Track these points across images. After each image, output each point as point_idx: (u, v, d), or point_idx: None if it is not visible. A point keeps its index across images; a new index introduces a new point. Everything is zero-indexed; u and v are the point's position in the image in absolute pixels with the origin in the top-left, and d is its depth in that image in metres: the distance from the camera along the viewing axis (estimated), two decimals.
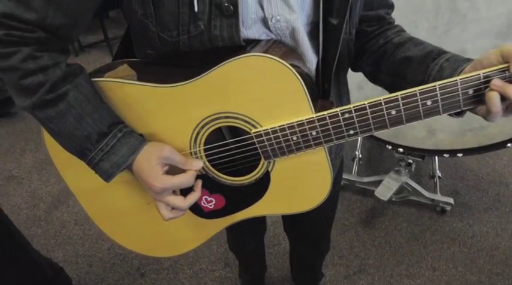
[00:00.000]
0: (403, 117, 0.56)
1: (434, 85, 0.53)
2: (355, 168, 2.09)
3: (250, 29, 0.62)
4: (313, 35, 0.66)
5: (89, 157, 0.61)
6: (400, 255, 1.75)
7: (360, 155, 2.15)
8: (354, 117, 0.58)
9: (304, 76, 0.60)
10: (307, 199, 0.69)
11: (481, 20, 1.26)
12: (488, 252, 1.74)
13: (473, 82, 0.52)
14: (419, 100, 0.54)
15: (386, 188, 1.80)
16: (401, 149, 1.71)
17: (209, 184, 0.70)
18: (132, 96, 0.63)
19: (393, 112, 0.56)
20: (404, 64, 0.67)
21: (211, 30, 0.59)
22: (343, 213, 1.96)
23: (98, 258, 1.82)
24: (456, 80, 0.52)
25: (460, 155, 1.60)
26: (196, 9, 0.57)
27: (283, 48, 0.65)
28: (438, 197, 1.88)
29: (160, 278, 1.71)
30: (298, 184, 0.68)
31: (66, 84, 0.58)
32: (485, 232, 1.83)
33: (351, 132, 0.59)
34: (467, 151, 1.58)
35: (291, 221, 1.17)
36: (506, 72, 0.50)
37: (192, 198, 0.66)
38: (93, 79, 0.62)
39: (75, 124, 0.59)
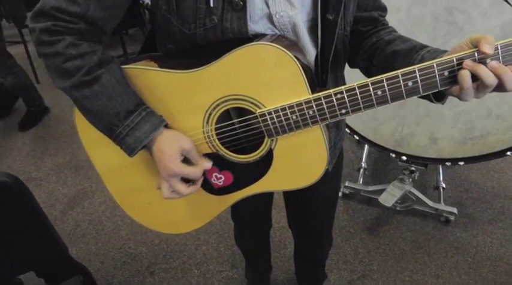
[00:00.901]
0: (388, 96, 0.64)
1: (414, 68, 0.61)
2: (360, 178, 2.15)
3: (257, 24, 0.72)
4: (312, 30, 0.75)
5: (116, 132, 0.71)
6: (404, 263, 1.78)
7: (366, 166, 2.21)
8: (345, 97, 0.66)
9: (304, 67, 0.69)
10: (306, 174, 0.77)
11: (477, 32, 1.34)
12: (492, 262, 1.76)
13: (447, 64, 0.60)
14: (401, 81, 0.62)
15: (390, 195, 1.85)
16: (404, 158, 1.77)
17: (219, 162, 0.79)
18: (154, 81, 0.73)
19: (379, 92, 0.64)
20: (392, 57, 0.75)
21: (223, 23, 0.69)
22: (348, 221, 2.00)
23: (110, 256, 1.89)
24: (432, 63, 0.60)
25: (461, 163, 1.66)
26: (211, 4, 0.67)
27: (286, 41, 0.74)
28: (442, 206, 1.92)
29: (169, 277, 1.77)
30: (298, 160, 0.76)
31: (101, 68, 0.69)
32: (489, 243, 1.85)
33: (343, 110, 0.67)
34: (469, 160, 1.64)
35: (294, 215, 1.23)
36: (476, 54, 0.58)
37: (193, 189, 0.76)
38: (122, 67, 0.73)
39: (106, 102, 0.69)
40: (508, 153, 1.50)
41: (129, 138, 0.71)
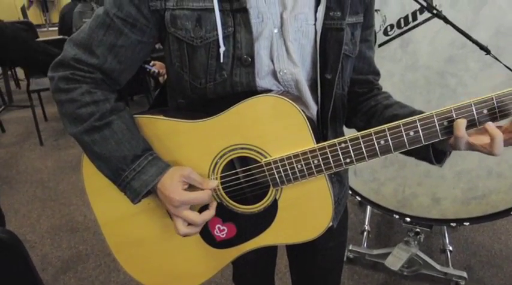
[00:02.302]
0: (391, 145, 0.66)
1: (415, 118, 0.64)
2: (364, 241, 2.08)
3: (264, 80, 0.76)
4: (313, 88, 0.79)
5: (122, 176, 0.71)
6: None
7: (369, 229, 2.16)
8: (349, 146, 0.68)
9: (309, 119, 0.72)
10: (312, 225, 0.75)
11: (469, 95, 1.41)
12: None
13: (446, 114, 0.63)
14: (403, 131, 0.65)
15: (396, 259, 1.79)
16: (408, 219, 1.74)
17: (223, 213, 0.78)
18: (162, 129, 0.76)
19: (382, 141, 0.66)
20: (392, 121, 0.78)
21: (233, 77, 0.73)
22: None
23: None
24: (432, 113, 0.63)
25: (466, 224, 1.63)
26: (222, 60, 0.71)
27: (290, 96, 0.78)
28: (451, 270, 1.84)
29: None
30: (303, 211, 0.75)
31: (113, 115, 0.72)
32: None
33: (347, 160, 0.69)
34: (473, 220, 1.61)
35: (299, 279, 1.18)
36: (472, 105, 0.61)
37: (207, 215, 0.73)
38: (133, 115, 0.76)
39: (115, 147, 0.71)
40: None
41: (135, 182, 0.71)
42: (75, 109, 0.70)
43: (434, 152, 0.75)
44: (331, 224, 0.88)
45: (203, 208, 0.76)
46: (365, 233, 2.12)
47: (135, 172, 0.71)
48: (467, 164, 1.53)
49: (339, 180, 0.91)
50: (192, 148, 0.75)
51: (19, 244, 0.97)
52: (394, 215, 1.75)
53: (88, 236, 2.34)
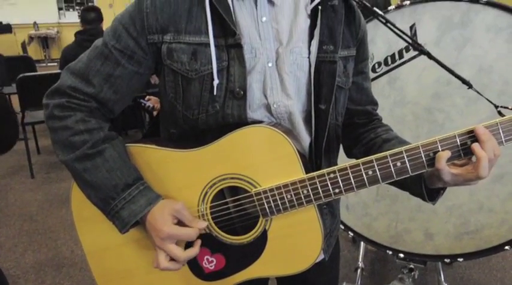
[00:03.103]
0: (379, 176, 0.67)
1: (401, 149, 0.65)
2: (358, 279, 2.04)
3: (255, 112, 0.78)
4: (307, 119, 0.81)
5: (112, 205, 0.71)
6: None
7: (363, 266, 2.12)
8: (338, 176, 0.69)
9: (299, 152, 0.73)
10: (301, 256, 0.74)
11: (456, 129, 1.44)
12: None
13: (431, 146, 0.64)
14: (390, 162, 0.66)
15: None
16: (401, 255, 1.72)
17: (211, 244, 0.77)
18: (154, 158, 0.76)
19: (370, 172, 0.67)
20: None
21: (225, 109, 0.74)
22: None
23: None
24: (418, 145, 0.65)
25: (460, 260, 1.61)
26: (215, 93, 0.73)
27: (281, 128, 0.79)
28: None
29: None
30: (293, 242, 0.74)
31: (106, 143, 0.73)
32: None
33: (336, 190, 0.69)
34: (467, 256, 1.60)
35: None
36: (456, 136, 0.63)
37: (191, 252, 0.73)
38: (126, 144, 0.77)
39: (106, 175, 0.71)
40: (506, 247, 1.48)
41: (124, 211, 0.71)
42: (68, 136, 0.71)
43: (427, 189, 0.76)
44: (322, 256, 0.88)
45: (188, 246, 0.75)
46: (359, 271, 2.07)
47: (125, 201, 0.71)
48: (459, 198, 1.54)
49: (330, 211, 0.91)
50: (182, 177, 0.75)
51: (3, 280, 0.94)
52: (388, 251, 1.73)
53: (74, 272, 2.26)
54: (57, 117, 0.72)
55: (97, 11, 3.52)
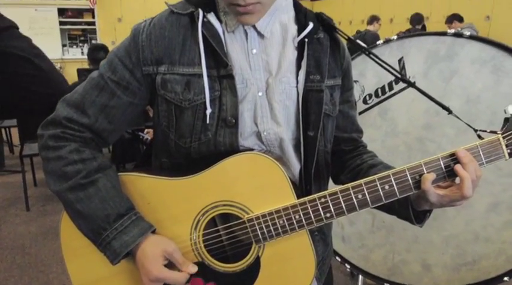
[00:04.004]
0: (368, 199, 0.69)
1: (388, 173, 0.67)
2: None
3: (247, 140, 0.80)
4: (297, 147, 0.83)
5: (103, 236, 0.71)
6: None
7: None
8: (329, 201, 0.70)
9: (290, 179, 0.75)
10: (295, 283, 0.74)
11: None
12: None
13: (417, 169, 0.66)
14: (378, 185, 0.68)
15: None
16: None
17: (205, 273, 0.77)
18: (146, 187, 0.77)
19: (360, 196, 0.69)
20: None
21: (217, 137, 0.77)
22: None
23: None
24: (404, 168, 0.67)
25: None
26: (207, 121, 0.76)
27: (271, 155, 0.82)
28: None
29: None
30: (286, 268, 0.74)
31: (99, 173, 0.74)
32: None
33: (328, 214, 0.70)
34: None
35: None
36: (440, 159, 0.66)
37: None
38: (118, 174, 0.78)
39: (99, 205, 0.72)
40: (505, 278, 1.46)
41: (115, 242, 0.70)
42: (62, 166, 0.72)
43: (414, 212, 0.77)
44: (315, 284, 0.87)
45: None
46: None
47: (116, 231, 0.71)
48: (454, 228, 1.54)
49: (322, 239, 0.91)
50: (174, 205, 0.76)
51: None
52: (385, 284, 1.70)
53: None
54: (51, 147, 0.73)
55: (105, 49, 3.53)
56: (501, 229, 1.47)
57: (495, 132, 0.69)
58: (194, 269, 0.74)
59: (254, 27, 0.76)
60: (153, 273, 0.69)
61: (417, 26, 5.47)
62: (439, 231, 1.57)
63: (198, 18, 0.74)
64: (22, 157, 3.50)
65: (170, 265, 0.72)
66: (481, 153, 0.66)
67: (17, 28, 0.96)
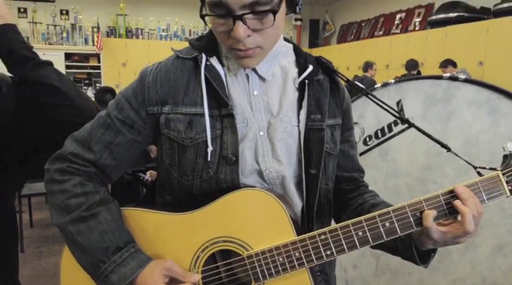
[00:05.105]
0: (369, 237, 0.68)
1: (389, 210, 0.67)
2: None
3: (248, 178, 0.80)
4: (299, 185, 0.84)
5: (102, 269, 0.70)
6: None
7: None
8: (329, 237, 0.69)
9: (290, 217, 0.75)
10: None
11: None
12: None
13: (417, 205, 0.66)
14: (379, 222, 0.67)
15: None
16: None
17: None
18: (147, 221, 0.77)
19: (360, 233, 0.68)
20: None
21: (218, 175, 0.77)
22: None
23: None
24: (404, 205, 0.67)
25: None
26: (209, 159, 0.77)
27: (272, 193, 0.82)
28: None
29: None
30: None
31: (101, 206, 0.75)
32: None
33: (328, 252, 0.69)
34: None
35: None
36: (440, 196, 0.65)
37: None
38: (120, 208, 0.78)
39: (99, 237, 0.72)
40: None
41: (113, 275, 0.70)
42: (65, 199, 0.73)
43: (418, 252, 0.76)
44: None
45: None
46: None
47: (115, 264, 0.70)
48: (460, 272, 1.49)
49: (325, 279, 0.88)
50: (175, 240, 0.75)
51: None
52: None
53: None
54: (56, 180, 0.75)
55: (112, 92, 3.62)
56: (508, 271, 1.42)
57: (495, 169, 0.69)
58: (197, 277, 0.72)
59: (255, 70, 0.80)
60: None
61: (412, 71, 5.66)
62: (445, 275, 1.52)
63: (201, 62, 0.78)
64: (21, 197, 3.47)
65: (172, 282, 0.71)
66: (481, 190, 0.66)
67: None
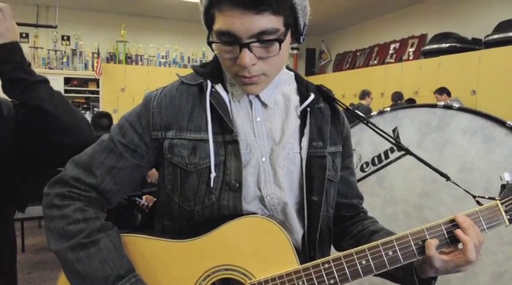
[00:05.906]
0: (372, 265, 0.68)
1: (391, 238, 0.68)
2: None
3: (250, 204, 0.81)
4: (300, 212, 0.84)
5: None
6: None
7: None
8: (333, 266, 0.69)
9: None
10: None
11: None
12: None
13: (420, 234, 0.67)
14: (382, 251, 0.68)
15: None
16: None
17: None
18: (147, 248, 0.77)
19: (363, 261, 0.68)
20: None
21: (220, 201, 0.78)
22: None
23: None
24: (407, 233, 0.68)
25: None
26: (212, 185, 0.78)
27: (274, 219, 0.82)
28: None
29: None
30: None
31: (101, 233, 0.74)
32: None
33: (332, 281, 0.69)
34: None
35: None
36: (441, 225, 0.67)
37: None
38: (121, 234, 0.78)
39: (99, 265, 0.71)
40: None
41: None
42: (65, 225, 0.72)
43: (419, 279, 0.76)
44: None
45: None
46: None
47: None
48: None
49: None
50: (176, 268, 0.75)
51: None
52: None
53: None
54: (56, 205, 0.74)
55: (109, 117, 3.62)
56: None
57: (493, 198, 0.71)
58: None
59: (258, 97, 0.82)
60: None
61: (399, 101, 5.79)
62: None
63: (206, 88, 0.80)
64: (13, 221, 3.41)
65: None
66: (481, 219, 0.67)
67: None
